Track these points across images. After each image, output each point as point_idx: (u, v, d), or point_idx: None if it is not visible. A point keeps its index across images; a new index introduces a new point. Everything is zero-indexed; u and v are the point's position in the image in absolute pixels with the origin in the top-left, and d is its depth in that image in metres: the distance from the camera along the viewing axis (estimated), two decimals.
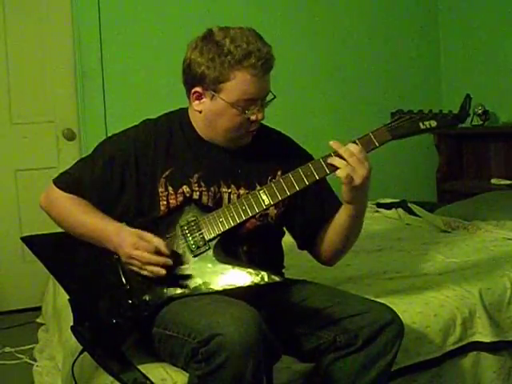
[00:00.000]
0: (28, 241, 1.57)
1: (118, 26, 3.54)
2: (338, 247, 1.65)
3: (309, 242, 1.70)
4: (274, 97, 1.57)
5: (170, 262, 1.47)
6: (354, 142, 1.49)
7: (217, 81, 1.51)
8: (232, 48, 1.48)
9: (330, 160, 1.48)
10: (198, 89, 1.56)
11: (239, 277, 1.45)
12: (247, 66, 1.49)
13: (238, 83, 1.50)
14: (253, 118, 1.55)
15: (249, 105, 1.53)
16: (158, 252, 1.46)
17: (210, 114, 1.58)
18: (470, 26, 4.14)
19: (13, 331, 3.09)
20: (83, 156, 1.73)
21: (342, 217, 1.58)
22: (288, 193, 1.50)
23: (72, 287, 1.55)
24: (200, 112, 1.59)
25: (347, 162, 1.45)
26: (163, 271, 1.46)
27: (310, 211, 1.67)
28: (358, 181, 1.46)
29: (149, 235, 1.49)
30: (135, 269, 1.49)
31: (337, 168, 1.47)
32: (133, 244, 1.47)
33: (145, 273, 1.48)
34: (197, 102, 1.58)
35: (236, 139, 1.61)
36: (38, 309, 2.97)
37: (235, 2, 3.77)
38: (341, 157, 1.46)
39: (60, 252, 1.58)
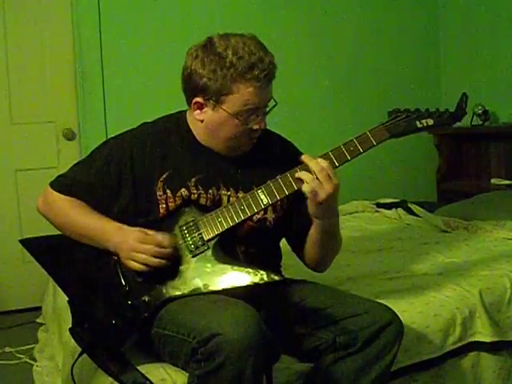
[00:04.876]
0: (26, 243, 1.56)
1: (117, 27, 3.54)
2: (316, 258, 1.66)
3: (299, 246, 1.70)
4: (276, 104, 1.57)
5: (174, 254, 1.48)
6: (352, 141, 1.49)
7: (219, 93, 1.51)
8: (234, 60, 1.47)
9: (297, 174, 1.48)
10: (198, 99, 1.55)
11: (238, 276, 1.45)
12: (250, 78, 1.48)
13: (241, 95, 1.50)
14: (255, 127, 1.55)
15: (250, 114, 1.53)
16: (162, 247, 1.47)
17: (211, 124, 1.57)
18: (469, 26, 4.14)
19: (13, 331, 3.09)
20: (82, 157, 1.73)
21: (313, 231, 1.60)
22: (286, 192, 1.50)
23: (71, 289, 1.54)
24: (201, 121, 1.58)
25: (315, 177, 1.45)
26: (165, 262, 1.47)
27: (304, 216, 1.66)
28: (322, 196, 1.45)
29: (151, 231, 1.50)
30: (134, 264, 1.48)
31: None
32: (137, 238, 1.48)
33: (143, 268, 1.47)
34: (198, 111, 1.57)
35: (237, 148, 1.61)
36: (38, 309, 2.97)
37: (235, 4, 3.77)
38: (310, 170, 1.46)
39: (59, 254, 1.58)
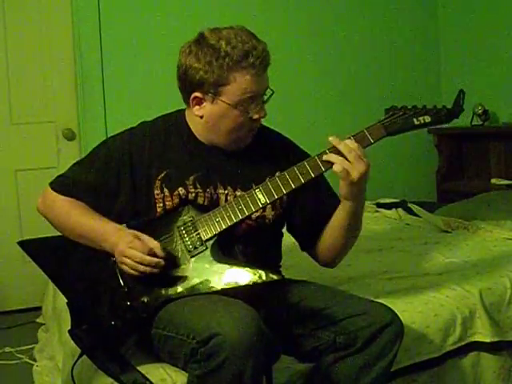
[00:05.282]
0: (25, 245, 1.56)
1: (117, 27, 3.54)
2: (337, 247, 1.64)
3: (309, 242, 1.69)
4: (273, 92, 1.57)
5: (162, 263, 1.47)
6: (350, 139, 1.49)
7: (216, 84, 1.51)
8: (229, 50, 1.47)
9: (325, 157, 1.48)
10: (197, 94, 1.55)
11: (237, 276, 1.44)
12: (246, 66, 1.48)
13: (239, 84, 1.50)
14: (255, 116, 1.55)
15: (250, 103, 1.53)
16: (152, 254, 1.46)
17: (211, 118, 1.56)
18: (469, 26, 4.14)
19: (13, 331, 3.09)
20: (81, 157, 1.73)
21: (339, 214, 1.57)
22: (284, 191, 1.49)
23: (70, 290, 1.54)
24: (201, 117, 1.58)
25: (346, 158, 1.45)
26: (154, 271, 1.46)
27: (309, 211, 1.66)
28: (355, 175, 1.44)
29: (146, 237, 1.49)
30: (125, 268, 1.48)
31: (332, 164, 1.46)
32: (128, 242, 1.47)
33: (133, 272, 1.47)
34: (197, 107, 1.57)
35: (238, 140, 1.60)
36: (38, 309, 2.97)
37: (236, 4, 3.77)
38: (338, 152, 1.46)
39: (57, 255, 1.57)
